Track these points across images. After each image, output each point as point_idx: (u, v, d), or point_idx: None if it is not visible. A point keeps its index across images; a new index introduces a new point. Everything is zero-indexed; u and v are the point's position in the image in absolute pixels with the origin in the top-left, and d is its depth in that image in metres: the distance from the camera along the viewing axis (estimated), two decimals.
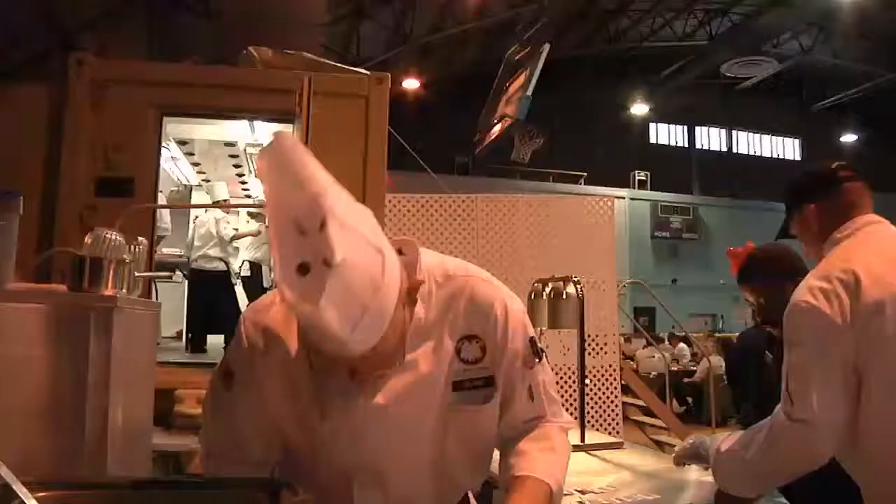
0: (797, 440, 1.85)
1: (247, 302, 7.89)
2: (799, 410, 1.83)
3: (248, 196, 9.35)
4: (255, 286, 7.73)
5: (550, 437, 1.66)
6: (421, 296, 1.49)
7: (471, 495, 1.81)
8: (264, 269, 7.77)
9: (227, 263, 7.72)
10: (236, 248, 8.13)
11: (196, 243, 7.83)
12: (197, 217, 8.05)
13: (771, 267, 2.72)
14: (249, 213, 8.88)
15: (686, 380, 12.88)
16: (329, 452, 1.54)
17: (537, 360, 1.63)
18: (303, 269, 1.19)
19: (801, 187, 2.20)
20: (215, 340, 8.49)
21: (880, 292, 1.81)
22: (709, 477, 2.56)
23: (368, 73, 5.65)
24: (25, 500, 1.23)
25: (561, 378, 5.86)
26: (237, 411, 1.57)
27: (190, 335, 7.54)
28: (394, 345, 1.39)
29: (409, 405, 1.51)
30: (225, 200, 7.71)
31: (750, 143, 32.00)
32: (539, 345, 1.66)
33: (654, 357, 13.23)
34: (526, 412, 1.65)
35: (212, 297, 7.63)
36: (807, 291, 1.89)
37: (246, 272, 7.78)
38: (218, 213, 7.83)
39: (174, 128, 6.71)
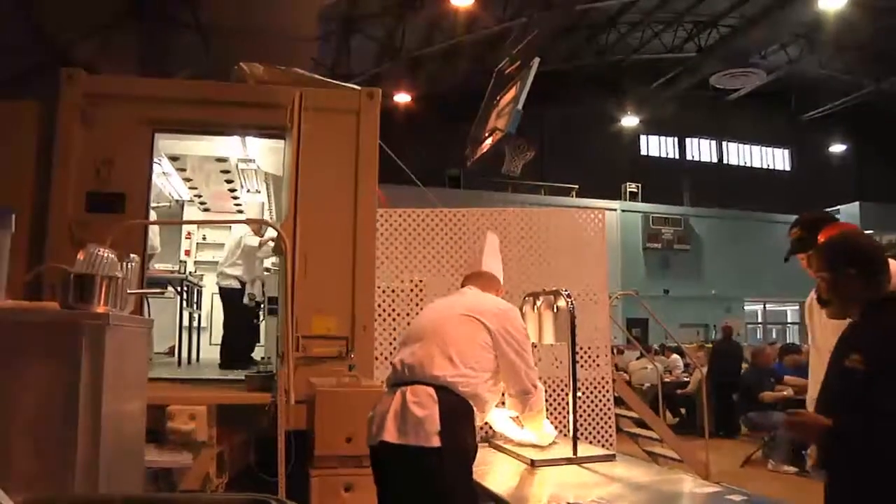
0: None
1: (225, 317, 7.96)
2: None
3: (241, 211, 9.33)
4: (234, 301, 7.77)
5: None
6: None
7: None
8: (247, 286, 7.80)
9: (242, 282, 7.79)
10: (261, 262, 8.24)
11: (220, 262, 8.13)
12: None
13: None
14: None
15: (679, 391, 12.84)
16: None
17: None
18: None
19: None
20: (209, 355, 8.49)
21: None
22: (701, 489, 2.57)
23: (359, 87, 5.67)
24: None
25: (553, 391, 5.85)
26: None
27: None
28: None
29: None
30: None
31: (740, 154, 32.14)
32: None
33: (646, 368, 13.18)
34: None
35: (226, 315, 7.94)
36: None
37: (236, 286, 7.79)
38: (244, 228, 8.00)
39: (166, 143, 6.70)
